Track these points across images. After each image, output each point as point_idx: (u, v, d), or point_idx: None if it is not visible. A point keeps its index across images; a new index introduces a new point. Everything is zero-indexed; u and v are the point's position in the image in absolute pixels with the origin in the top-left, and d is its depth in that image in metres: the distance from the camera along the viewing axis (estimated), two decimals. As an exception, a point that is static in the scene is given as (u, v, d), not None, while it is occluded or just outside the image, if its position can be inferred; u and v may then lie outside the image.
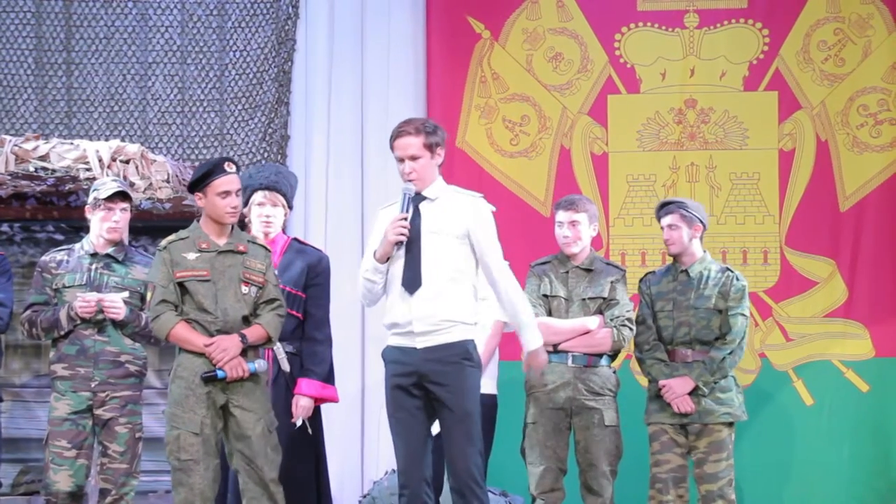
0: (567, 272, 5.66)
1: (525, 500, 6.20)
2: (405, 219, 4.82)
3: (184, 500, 4.85)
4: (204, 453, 4.84)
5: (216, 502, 5.05)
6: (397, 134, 4.90)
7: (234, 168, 4.95)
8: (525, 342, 4.91)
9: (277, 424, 4.98)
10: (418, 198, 4.89)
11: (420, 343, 4.84)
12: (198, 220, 5.03)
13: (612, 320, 5.58)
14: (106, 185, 5.55)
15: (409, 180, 4.86)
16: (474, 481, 4.79)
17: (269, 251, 5.08)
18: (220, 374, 4.86)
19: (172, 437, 4.87)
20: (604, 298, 5.61)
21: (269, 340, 4.99)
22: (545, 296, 5.64)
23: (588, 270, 5.66)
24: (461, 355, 4.81)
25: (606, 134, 7.56)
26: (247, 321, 4.93)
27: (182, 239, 4.97)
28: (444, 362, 4.81)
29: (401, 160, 4.89)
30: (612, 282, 5.63)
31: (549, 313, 5.62)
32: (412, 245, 4.84)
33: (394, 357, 4.94)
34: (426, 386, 4.84)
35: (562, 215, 5.65)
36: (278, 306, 5.01)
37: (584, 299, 5.60)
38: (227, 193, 4.91)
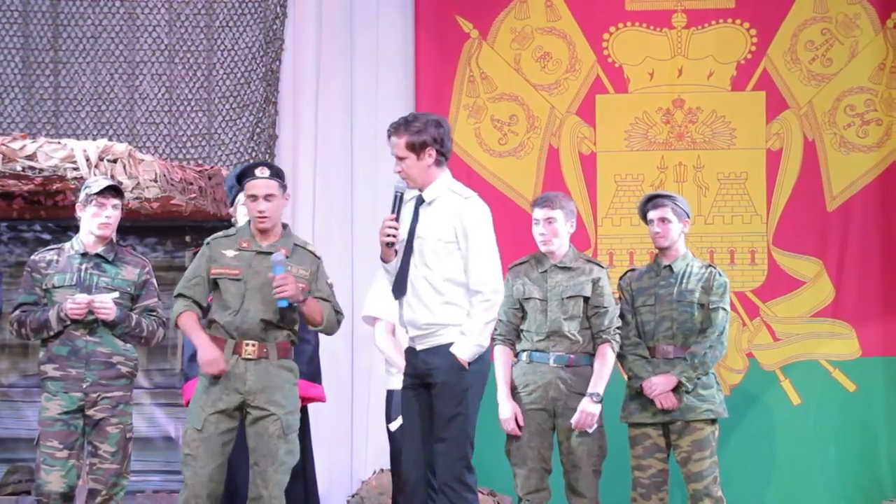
0: (545, 271, 5.57)
1: (514, 499, 6.21)
2: (394, 219, 4.85)
3: (181, 495, 4.89)
4: (203, 451, 4.85)
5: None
6: (388, 133, 4.94)
7: (266, 172, 4.92)
8: (454, 346, 4.87)
9: (297, 428, 4.93)
10: (419, 200, 4.92)
11: (418, 345, 4.90)
12: (249, 222, 5.06)
13: (602, 332, 5.51)
14: (97, 182, 5.55)
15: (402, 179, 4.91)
16: (458, 482, 4.80)
17: (318, 259, 5.02)
18: (282, 303, 4.83)
19: (184, 431, 4.94)
20: (585, 298, 5.53)
21: (319, 322, 4.93)
22: (522, 300, 5.60)
23: (567, 269, 5.57)
24: (448, 356, 4.83)
25: (594, 133, 7.57)
26: (271, 325, 4.89)
27: (227, 236, 5.00)
28: (436, 364, 4.84)
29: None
30: (593, 281, 5.54)
31: (526, 317, 5.59)
32: (406, 249, 4.87)
33: (407, 357, 5.02)
34: (426, 385, 4.89)
35: (538, 213, 5.56)
36: (334, 302, 4.98)
37: (562, 299, 5.51)
38: (254, 198, 4.91)
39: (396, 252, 4.88)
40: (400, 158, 4.88)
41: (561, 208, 5.56)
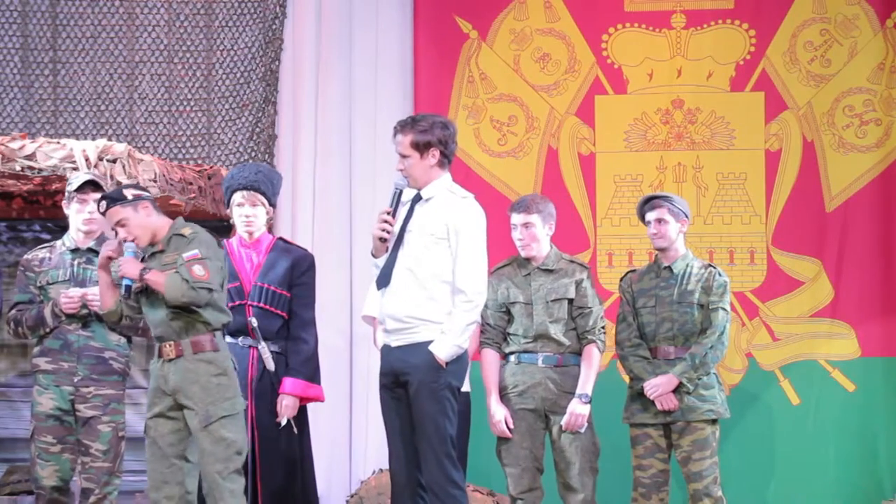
0: (528, 274, 5.57)
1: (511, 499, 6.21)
2: (389, 213, 4.87)
3: None
4: (150, 455, 4.97)
5: (202, 501, 5.08)
6: (394, 130, 4.97)
7: (104, 205, 4.95)
8: (433, 344, 4.87)
9: (221, 417, 4.89)
10: (416, 198, 4.93)
11: (394, 341, 4.89)
12: None
13: (587, 333, 5.50)
14: (77, 178, 5.56)
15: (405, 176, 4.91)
16: (445, 480, 4.81)
17: (187, 238, 4.98)
18: (125, 282, 4.90)
19: None
20: (569, 300, 5.51)
21: (162, 291, 4.90)
22: (507, 304, 5.59)
23: (550, 271, 5.55)
24: (425, 354, 4.83)
25: (594, 134, 7.57)
26: (178, 317, 4.93)
27: None
28: (412, 362, 4.84)
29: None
30: (577, 282, 5.52)
31: (512, 320, 5.59)
32: (395, 243, 4.88)
33: (382, 355, 5.01)
34: (403, 383, 4.89)
35: (515, 218, 5.55)
36: (182, 271, 4.91)
37: (547, 302, 5.49)
38: (113, 228, 4.98)
39: (388, 249, 4.90)
40: (404, 156, 4.91)
41: (538, 212, 5.53)
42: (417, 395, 4.82)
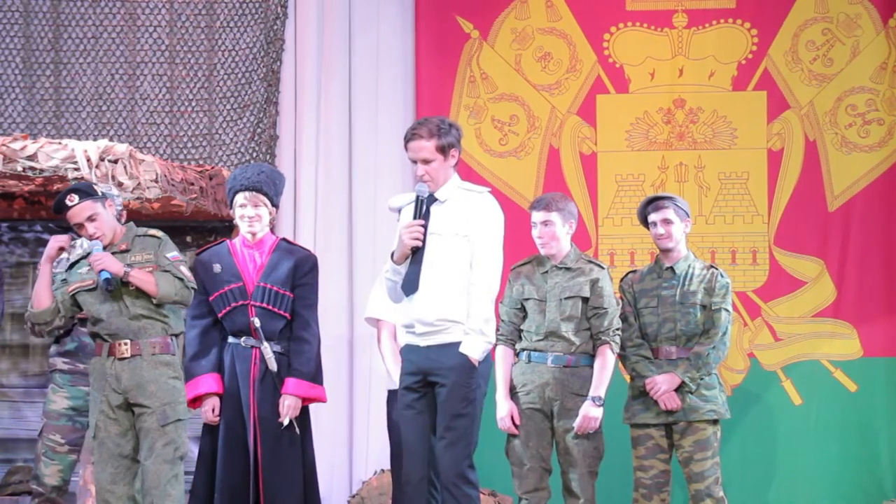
0: (546, 272, 5.57)
1: (514, 499, 6.21)
2: (422, 224, 4.88)
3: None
4: (99, 455, 5.00)
5: (204, 502, 5.08)
6: (410, 136, 4.97)
7: (75, 199, 4.97)
8: (462, 345, 4.92)
9: (177, 419, 4.98)
10: (430, 199, 4.93)
11: (423, 342, 4.92)
12: None
13: (601, 333, 5.49)
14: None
15: (423, 182, 4.93)
16: (461, 479, 4.83)
17: (161, 239, 5.09)
18: (103, 275, 4.90)
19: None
20: (584, 299, 5.50)
21: (154, 291, 4.96)
22: (522, 300, 5.60)
23: (567, 270, 5.54)
24: (459, 356, 4.85)
25: (595, 134, 7.57)
26: (140, 318, 4.96)
27: (83, 257, 5.11)
28: (443, 361, 4.86)
29: (414, 161, 4.94)
30: (591, 281, 5.51)
31: (526, 317, 5.58)
32: (418, 248, 4.89)
33: (405, 355, 5.05)
34: (430, 383, 4.90)
35: (534, 216, 5.56)
36: (174, 270, 4.99)
37: (560, 299, 5.49)
38: (79, 226, 4.99)
39: (409, 255, 4.92)
40: (426, 161, 4.91)
41: (558, 210, 5.54)
42: (448, 396, 4.85)
